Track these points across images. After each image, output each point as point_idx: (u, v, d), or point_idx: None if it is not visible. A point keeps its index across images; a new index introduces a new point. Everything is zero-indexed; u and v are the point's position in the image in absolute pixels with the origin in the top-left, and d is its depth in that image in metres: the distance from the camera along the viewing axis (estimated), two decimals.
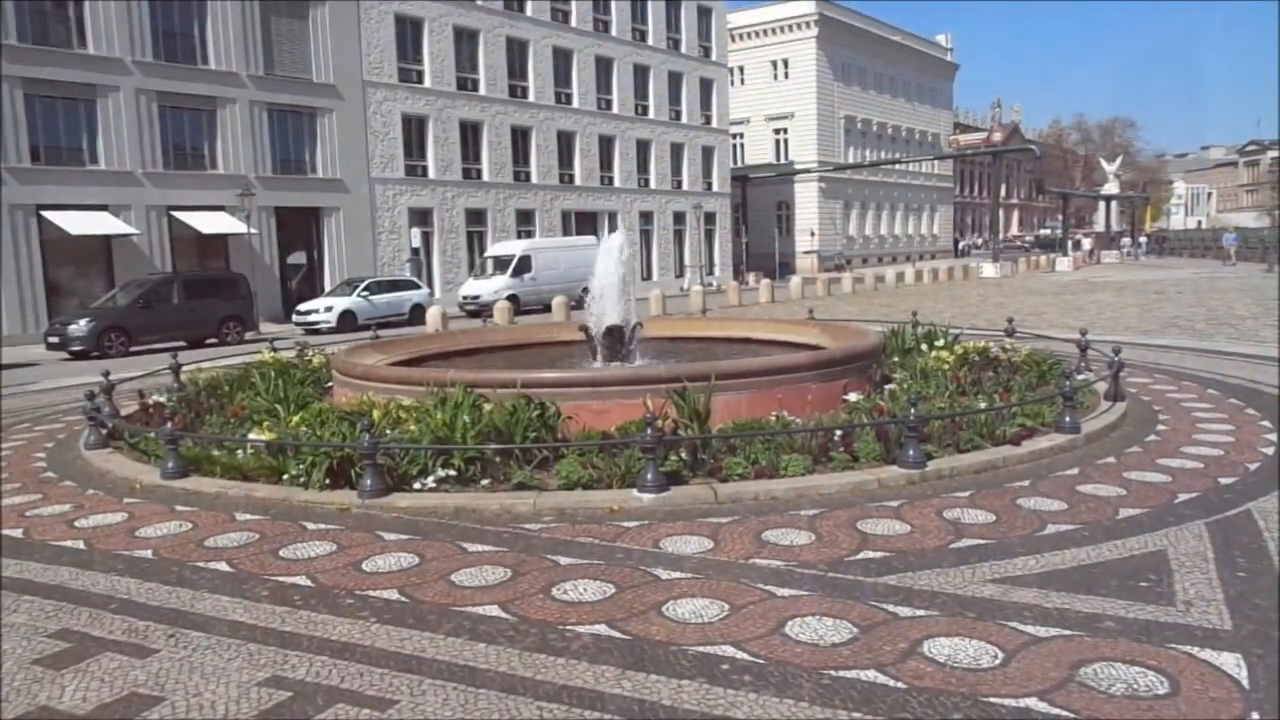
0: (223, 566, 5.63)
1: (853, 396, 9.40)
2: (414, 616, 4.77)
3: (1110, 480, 7.07)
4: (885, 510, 6.39)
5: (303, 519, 6.55)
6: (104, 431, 9.23)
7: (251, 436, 7.80)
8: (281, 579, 5.38)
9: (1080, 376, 10.59)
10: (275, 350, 13.88)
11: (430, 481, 6.85)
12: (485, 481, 6.97)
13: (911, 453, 7.11)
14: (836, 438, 7.51)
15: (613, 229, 46.47)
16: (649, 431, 6.54)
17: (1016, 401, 8.94)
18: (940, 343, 11.72)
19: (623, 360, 11.38)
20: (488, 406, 7.71)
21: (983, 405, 8.62)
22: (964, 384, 9.99)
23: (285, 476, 7.20)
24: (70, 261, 29.82)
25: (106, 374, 10.89)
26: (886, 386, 9.97)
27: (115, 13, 29.65)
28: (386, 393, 9.53)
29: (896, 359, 11.76)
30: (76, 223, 28.67)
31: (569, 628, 4.56)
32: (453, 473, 6.94)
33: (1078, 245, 67.72)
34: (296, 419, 8.09)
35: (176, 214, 31.37)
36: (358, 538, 6.09)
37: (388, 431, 7.84)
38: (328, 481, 7.02)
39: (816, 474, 7.08)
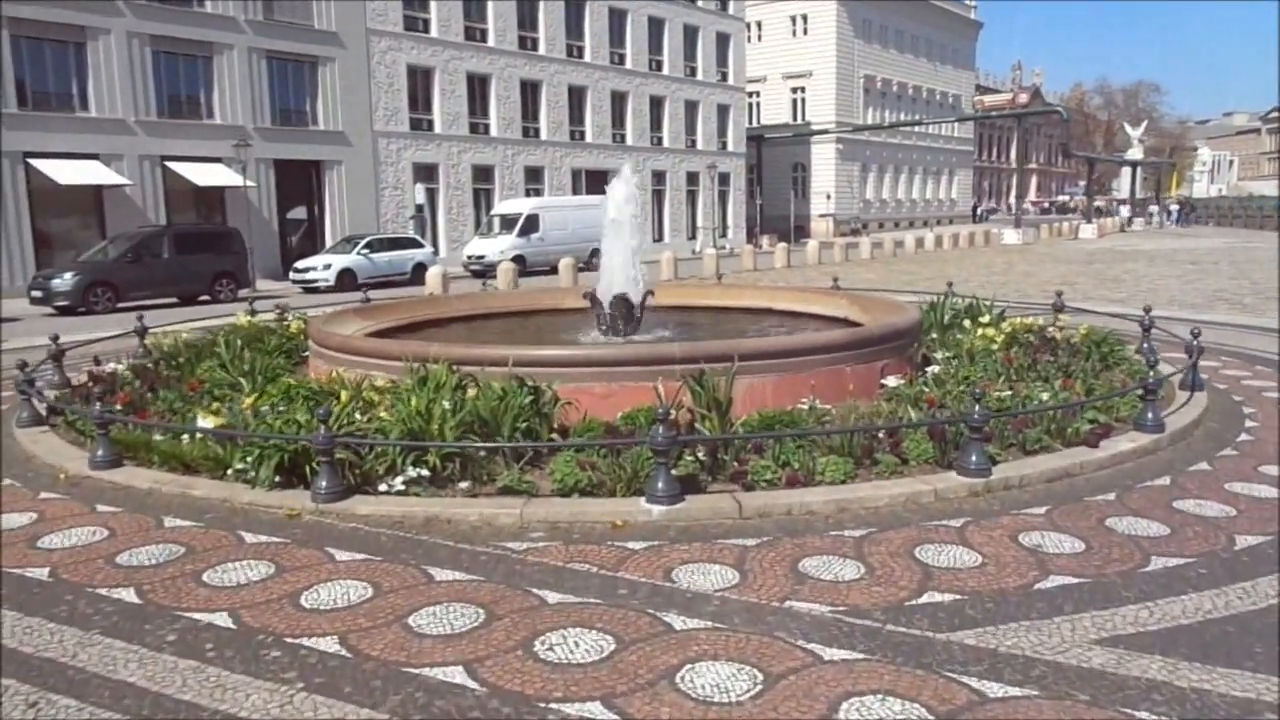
0: (129, 596, 4.53)
1: (892, 381, 8.25)
2: (354, 681, 3.67)
3: (1212, 494, 5.92)
4: (947, 532, 5.25)
5: (243, 527, 5.45)
6: (41, 407, 8.13)
7: (199, 423, 6.66)
8: (197, 616, 4.29)
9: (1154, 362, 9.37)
10: (255, 313, 12.78)
11: (399, 482, 5.72)
12: (465, 484, 5.85)
13: (974, 457, 5.94)
14: (882, 435, 6.36)
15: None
16: (660, 430, 5.39)
17: (1093, 394, 7.72)
18: (985, 319, 10.50)
19: (632, 333, 10.25)
20: (471, 393, 6.57)
21: (1045, 396, 7.44)
22: (1017, 368, 8.81)
23: (230, 471, 6.09)
24: (61, 212, 28.66)
25: (55, 337, 9.77)
26: (928, 369, 8.79)
27: None
28: (362, 368, 8.41)
29: (935, 336, 10.57)
30: (66, 172, 27.47)
31: (552, 706, 3.46)
32: (426, 473, 5.81)
33: (1116, 211, 65.95)
34: (250, 400, 6.94)
35: (171, 165, 30.12)
36: (303, 556, 4.99)
37: (356, 417, 6.72)
38: (278, 479, 5.90)
39: (859, 480, 5.94)
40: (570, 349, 7.75)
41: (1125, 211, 64.65)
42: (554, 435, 6.74)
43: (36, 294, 22.91)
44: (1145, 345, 10.17)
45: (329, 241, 33.35)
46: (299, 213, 34.86)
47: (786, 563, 4.81)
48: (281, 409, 7.41)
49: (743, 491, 5.74)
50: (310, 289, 27.76)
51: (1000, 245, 45.90)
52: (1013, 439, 6.67)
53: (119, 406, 7.69)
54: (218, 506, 5.80)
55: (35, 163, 27.14)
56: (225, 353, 9.17)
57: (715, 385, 6.91)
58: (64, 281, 22.64)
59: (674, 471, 5.75)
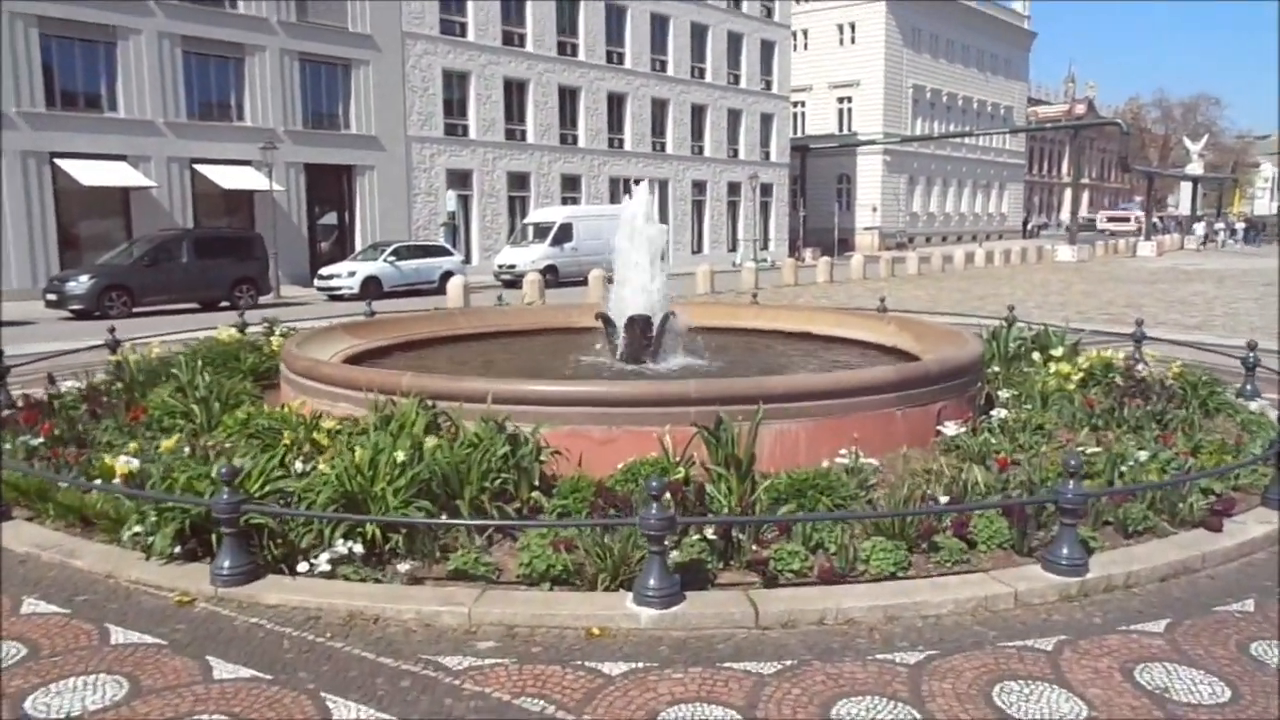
0: None
1: (951, 428, 6.90)
2: None
3: None
4: (1035, 660, 3.90)
5: (116, 618, 4.25)
6: None
7: (119, 463, 5.50)
8: None
9: (1255, 405, 7.93)
10: (244, 326, 11.71)
11: (325, 560, 4.50)
12: (407, 565, 4.59)
13: (1066, 550, 4.56)
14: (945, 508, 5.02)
15: (662, 199, 43.89)
16: (654, 510, 4.10)
17: (1200, 451, 6.27)
18: (1057, 351, 9.08)
19: (649, 359, 9.00)
20: (430, 442, 5.33)
21: (1143, 456, 6.03)
22: (1101, 413, 7.41)
23: (127, 535, 4.91)
24: (88, 214, 28.11)
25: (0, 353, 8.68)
26: (992, 413, 7.42)
27: None
28: (329, 398, 7.25)
29: (997, 369, 9.18)
30: (90, 173, 26.87)
31: None
32: (359, 549, 4.58)
33: (1171, 228, 63.33)
34: (172, 441, 5.77)
35: (199, 167, 29.46)
36: (173, 671, 3.78)
37: (298, 466, 5.53)
38: (178, 549, 4.71)
39: (914, 573, 4.60)
40: (562, 384, 6.50)
41: (1200, 229, 61.52)
42: (535, 494, 5.50)
43: (51, 297, 22.22)
44: (1248, 387, 8.68)
45: (359, 248, 32.53)
46: (330, 218, 34.10)
47: (815, 706, 3.50)
48: (227, 446, 6.30)
49: (762, 587, 4.43)
50: (335, 296, 26.91)
51: (1054, 262, 43.99)
52: (1109, 515, 5.29)
53: (38, 440, 6.60)
54: (98, 584, 4.61)
55: (61, 163, 26.57)
56: (182, 374, 8.05)
57: (735, 435, 5.63)
58: (79, 285, 21.94)
59: (674, 555, 4.48)
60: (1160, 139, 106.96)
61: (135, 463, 5.54)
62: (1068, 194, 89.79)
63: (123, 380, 8.60)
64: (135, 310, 22.16)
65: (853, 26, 60.39)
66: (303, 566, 4.51)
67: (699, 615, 4.16)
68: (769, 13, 49.48)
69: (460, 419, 6.20)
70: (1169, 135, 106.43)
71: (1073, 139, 58.45)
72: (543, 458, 5.85)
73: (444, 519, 4.81)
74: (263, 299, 25.24)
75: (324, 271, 28.42)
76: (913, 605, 4.26)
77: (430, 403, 6.39)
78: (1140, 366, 8.74)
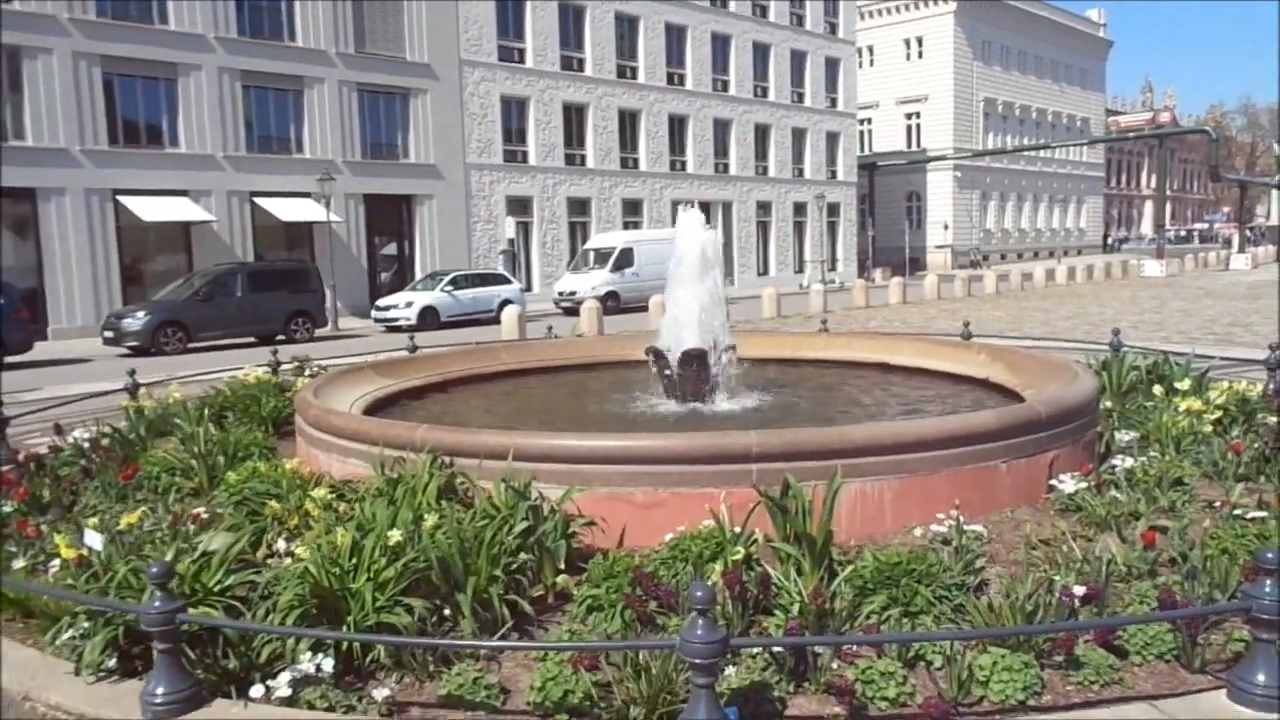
0: None
1: (1068, 483, 5.72)
2: None
3: None
4: None
5: None
6: None
7: (86, 539, 4.65)
8: None
9: None
10: (277, 365, 10.96)
11: (284, 684, 3.54)
12: (386, 690, 3.60)
13: (1263, 677, 3.37)
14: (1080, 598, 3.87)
15: (726, 221, 42.86)
16: (699, 628, 3.04)
17: None
18: (1183, 383, 7.79)
19: (705, 400, 7.98)
20: (429, 521, 4.36)
21: None
22: (1250, 461, 6.15)
23: (59, 640, 4.03)
24: (151, 249, 28.27)
25: None
26: (1114, 461, 6.21)
27: None
28: (340, 453, 6.39)
29: (1108, 403, 7.94)
30: (151, 209, 26.97)
31: None
32: (328, 666, 3.61)
33: (1263, 239, 60.02)
34: (136, 515, 4.90)
35: (259, 200, 29.44)
36: None
37: (279, 545, 4.63)
38: (112, 661, 3.80)
39: (1049, 698, 3.48)
40: (598, 438, 5.48)
41: None
42: (561, 578, 4.51)
43: (109, 334, 22.07)
44: None
45: (419, 277, 32.16)
46: (390, 248, 33.86)
47: None
48: (218, 513, 5.46)
49: (845, 718, 3.36)
50: (392, 327, 26.44)
51: (1141, 277, 41.78)
52: None
53: (12, 506, 5.83)
54: (11, 707, 3.73)
55: (124, 200, 26.68)
56: (186, 424, 7.25)
57: (807, 504, 4.57)
58: (134, 321, 21.77)
59: (731, 676, 3.43)
60: (1247, 147, 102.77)
61: (98, 540, 4.68)
62: (1148, 206, 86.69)
63: (114, 434, 7.78)
64: (191, 346, 21.94)
65: (920, 41, 58.92)
66: (258, 690, 3.55)
67: None
68: (833, 29, 48.34)
69: (478, 480, 5.27)
70: (1255, 142, 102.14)
71: (1158, 148, 55.88)
72: (573, 527, 4.88)
73: (416, 638, 3.79)
74: (319, 332, 24.90)
75: (381, 302, 28.04)
76: None
77: (447, 460, 5.48)
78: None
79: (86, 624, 3.86)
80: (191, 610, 3.69)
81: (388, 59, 32.18)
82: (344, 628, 3.79)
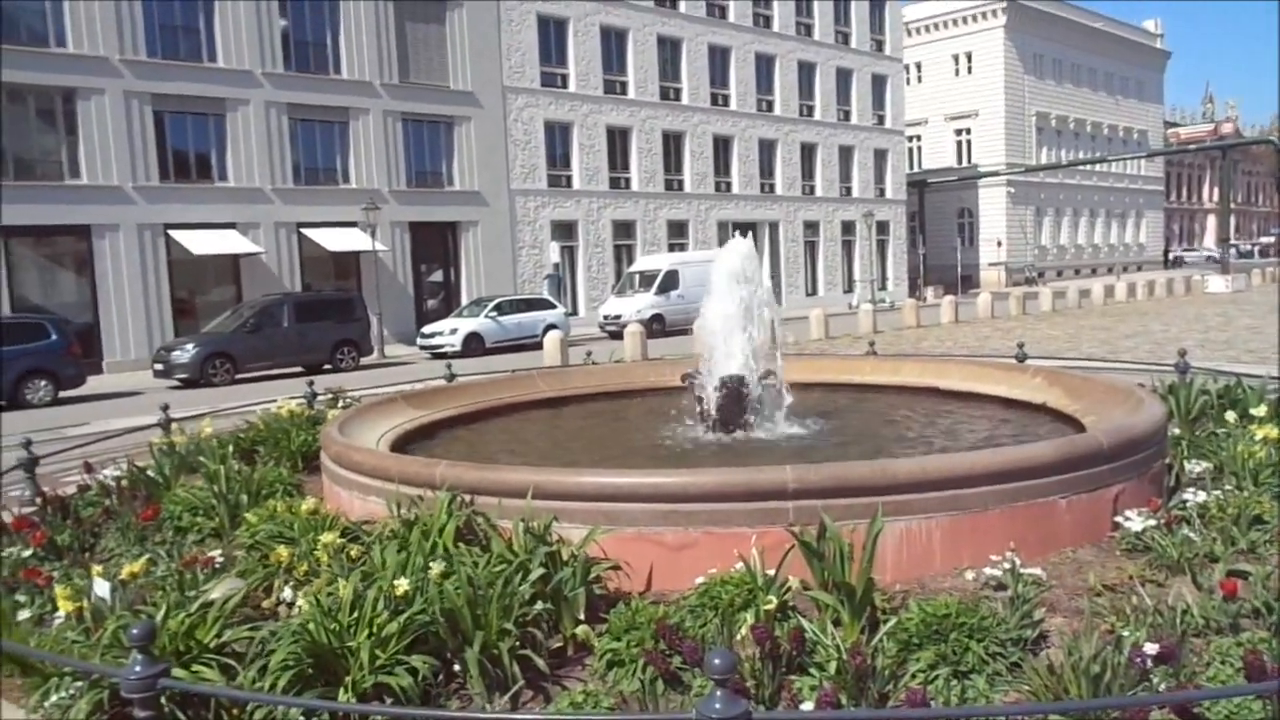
0: None
1: (1136, 521, 5.26)
2: None
3: None
4: None
5: None
6: None
7: (94, 588, 4.45)
8: None
9: None
10: (313, 397, 10.82)
11: None
12: None
13: None
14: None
15: (773, 241, 42.46)
16: (716, 700, 2.70)
17: None
18: (1259, 410, 7.24)
19: (744, 428, 7.63)
20: (436, 569, 4.08)
21: None
22: None
23: (48, 700, 3.82)
24: (199, 282, 28.64)
25: (27, 444, 7.87)
26: (1185, 496, 5.72)
27: (246, 25, 28.25)
28: (361, 491, 6.15)
29: (1176, 430, 7.42)
30: (201, 242, 27.37)
31: None
32: None
33: None
34: (137, 565, 4.69)
35: (306, 231, 29.73)
36: None
37: (285, 594, 4.38)
38: None
39: None
40: (622, 475, 5.15)
41: None
42: (581, 629, 4.19)
43: (159, 367, 22.31)
44: None
45: (464, 303, 32.26)
46: (437, 275, 34.01)
47: None
48: (234, 555, 5.25)
49: None
50: (437, 354, 26.42)
51: (1205, 294, 40.43)
52: None
53: (29, 550, 5.67)
54: None
55: (174, 234, 27.11)
56: (210, 461, 7.09)
57: (846, 546, 4.20)
58: (183, 354, 21.97)
59: None
60: None
61: (106, 589, 4.48)
62: (1210, 220, 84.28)
63: (145, 470, 7.63)
64: (239, 377, 22.08)
65: (969, 56, 58.16)
66: None
67: None
68: (879, 47, 47.85)
69: (499, 519, 4.99)
70: None
71: (1220, 160, 54.33)
72: (596, 571, 4.56)
73: (415, 708, 3.50)
74: (365, 360, 25.00)
75: (426, 330, 28.11)
76: None
77: (468, 498, 5.21)
78: None
79: (77, 684, 3.62)
80: (181, 672, 3.45)
81: (431, 88, 32.43)
82: (341, 689, 3.51)
